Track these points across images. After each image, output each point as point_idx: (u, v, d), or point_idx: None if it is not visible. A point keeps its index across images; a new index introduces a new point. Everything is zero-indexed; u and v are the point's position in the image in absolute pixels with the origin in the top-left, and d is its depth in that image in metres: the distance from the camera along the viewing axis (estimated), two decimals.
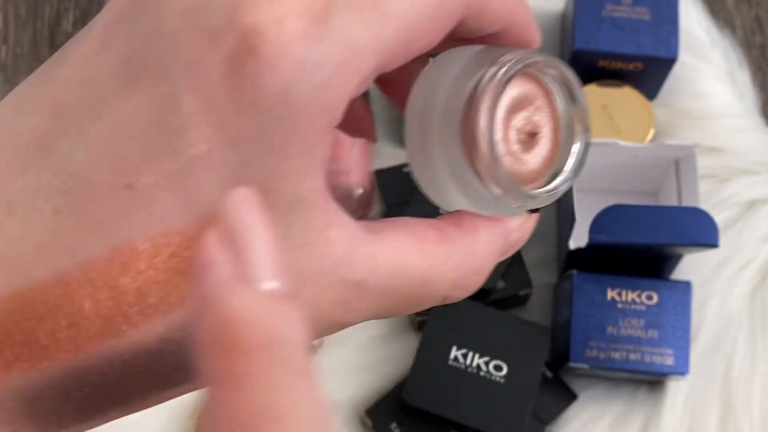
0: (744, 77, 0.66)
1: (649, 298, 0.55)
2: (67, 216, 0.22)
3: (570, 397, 0.58)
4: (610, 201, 0.54)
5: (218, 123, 0.22)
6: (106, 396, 0.24)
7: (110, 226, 0.22)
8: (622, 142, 0.56)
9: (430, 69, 0.27)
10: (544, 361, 0.56)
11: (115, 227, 0.22)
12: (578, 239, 0.53)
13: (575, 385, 0.59)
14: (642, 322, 0.55)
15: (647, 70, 0.61)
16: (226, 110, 0.22)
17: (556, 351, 0.57)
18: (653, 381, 0.59)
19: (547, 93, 0.26)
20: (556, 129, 0.27)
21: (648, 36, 0.60)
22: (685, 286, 0.56)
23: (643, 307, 0.55)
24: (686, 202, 0.56)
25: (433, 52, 0.26)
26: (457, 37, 0.26)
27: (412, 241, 0.25)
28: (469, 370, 0.54)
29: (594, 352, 0.55)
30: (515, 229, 0.27)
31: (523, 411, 0.53)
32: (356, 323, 0.25)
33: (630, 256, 0.55)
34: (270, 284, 0.19)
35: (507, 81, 0.25)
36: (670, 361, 0.55)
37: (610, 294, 0.55)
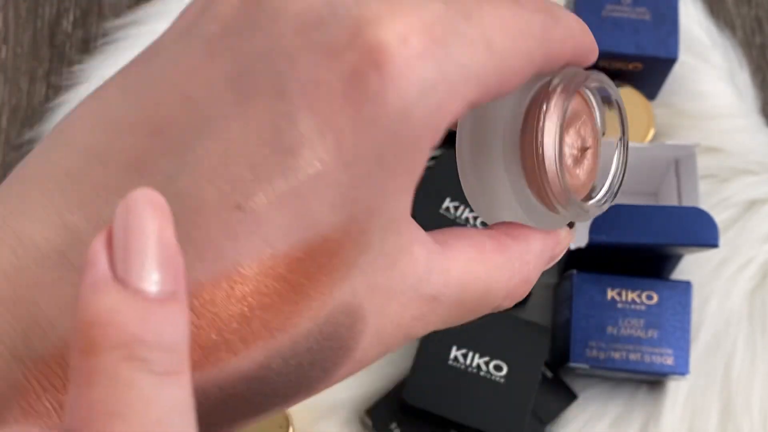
0: (744, 77, 0.66)
1: (649, 298, 0.55)
2: None
3: (570, 397, 0.58)
4: None
5: (335, 142, 0.22)
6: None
7: (217, 248, 0.22)
8: None
9: None
10: (544, 361, 0.56)
11: (222, 249, 0.22)
12: (578, 239, 0.53)
13: (575, 385, 0.59)
14: (642, 322, 0.55)
15: (647, 70, 0.61)
16: (343, 128, 0.22)
17: (556, 351, 0.57)
18: (653, 381, 0.59)
19: (589, 105, 0.27)
20: (596, 140, 0.27)
21: (648, 36, 0.60)
22: (685, 286, 0.56)
23: (643, 307, 0.55)
24: (686, 202, 0.56)
25: None
26: None
27: (477, 253, 0.25)
28: (469, 370, 0.54)
29: (594, 352, 0.55)
30: (562, 241, 0.28)
31: (523, 411, 0.53)
32: (425, 334, 0.26)
33: (630, 256, 0.55)
34: (149, 285, 0.19)
35: (571, 97, 0.25)
36: (670, 361, 0.55)
37: (610, 294, 0.55)
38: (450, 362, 0.54)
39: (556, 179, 0.25)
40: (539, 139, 0.25)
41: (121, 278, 0.19)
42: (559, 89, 0.25)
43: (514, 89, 0.24)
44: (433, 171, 0.56)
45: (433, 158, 0.56)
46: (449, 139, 0.26)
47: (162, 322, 0.19)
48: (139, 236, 0.19)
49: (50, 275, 0.22)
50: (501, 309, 0.27)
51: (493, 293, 0.26)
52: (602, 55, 0.60)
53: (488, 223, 0.27)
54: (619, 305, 0.55)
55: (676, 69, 0.63)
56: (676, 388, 0.59)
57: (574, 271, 0.56)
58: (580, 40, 0.26)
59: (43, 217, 0.23)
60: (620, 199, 0.60)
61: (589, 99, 0.27)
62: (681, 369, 0.55)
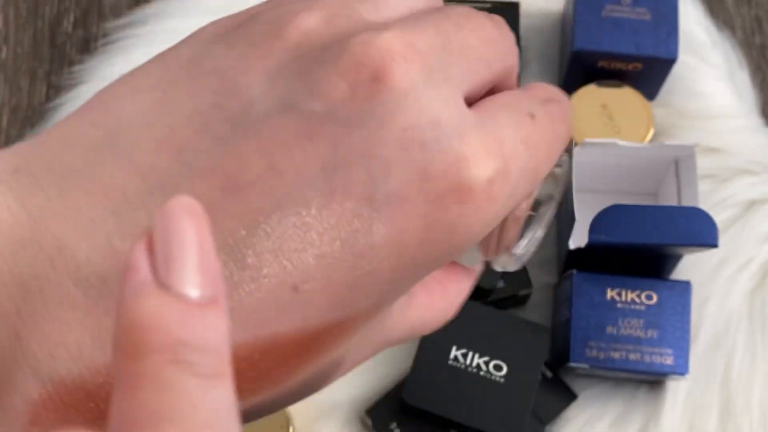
0: (743, 77, 0.66)
1: (649, 298, 0.55)
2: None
3: (570, 396, 0.58)
4: (610, 201, 0.54)
5: (398, 253, 0.23)
6: None
7: (262, 317, 0.23)
8: (621, 142, 0.56)
9: None
10: (544, 361, 0.56)
11: (267, 320, 0.23)
12: (578, 239, 0.53)
13: (575, 384, 0.59)
14: (642, 322, 0.55)
15: (647, 71, 0.61)
16: (410, 244, 0.24)
17: (556, 351, 0.57)
18: (653, 381, 0.59)
19: None
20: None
21: (648, 36, 0.60)
22: (685, 286, 0.56)
23: (642, 307, 0.55)
24: (686, 202, 0.56)
25: None
26: None
27: (428, 299, 0.28)
28: (469, 369, 0.54)
29: (594, 352, 0.55)
30: (477, 276, 0.31)
31: (523, 411, 0.53)
32: None
33: (630, 256, 0.55)
34: (191, 291, 0.19)
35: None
36: (669, 360, 0.55)
37: (610, 294, 0.55)
38: (450, 362, 0.54)
39: (504, 256, 0.29)
40: (504, 230, 0.29)
41: (162, 283, 0.19)
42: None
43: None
44: None
45: None
46: None
47: (204, 326, 0.19)
48: (180, 243, 0.19)
49: (86, 300, 0.22)
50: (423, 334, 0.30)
51: (429, 327, 0.29)
52: (602, 55, 0.60)
53: None
54: (619, 305, 0.55)
55: (676, 69, 0.63)
56: (675, 388, 0.59)
57: (574, 271, 0.56)
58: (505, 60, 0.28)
59: (90, 234, 0.22)
60: (620, 199, 0.60)
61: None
62: (681, 369, 0.55)
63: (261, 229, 0.22)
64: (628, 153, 0.57)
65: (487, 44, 0.26)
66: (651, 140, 0.61)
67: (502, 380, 0.53)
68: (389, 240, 0.23)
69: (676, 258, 0.56)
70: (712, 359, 0.59)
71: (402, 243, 0.23)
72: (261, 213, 0.22)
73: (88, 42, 0.67)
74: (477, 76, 0.26)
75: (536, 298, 0.60)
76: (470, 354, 0.54)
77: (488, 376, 0.54)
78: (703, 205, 0.55)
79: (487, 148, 0.24)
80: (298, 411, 0.56)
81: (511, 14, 0.63)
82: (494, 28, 0.27)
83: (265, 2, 0.27)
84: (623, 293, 0.55)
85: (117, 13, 0.68)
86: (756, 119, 0.65)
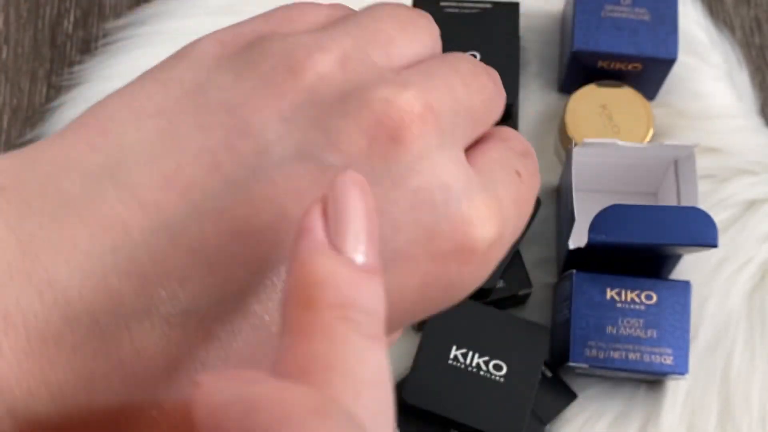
0: (743, 77, 0.66)
1: (649, 297, 0.55)
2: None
3: (569, 396, 0.58)
4: (610, 201, 0.54)
5: (394, 309, 0.24)
6: None
7: (258, 365, 0.23)
8: (621, 142, 0.56)
9: None
10: (544, 361, 0.56)
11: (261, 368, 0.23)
12: (578, 239, 0.53)
13: (575, 384, 0.59)
14: (641, 321, 0.55)
15: (646, 71, 0.61)
16: (409, 301, 0.25)
17: (556, 350, 0.58)
18: (652, 380, 0.59)
19: None
20: None
21: (647, 36, 0.60)
22: (685, 286, 0.56)
23: (642, 307, 0.55)
24: (685, 202, 0.56)
25: None
26: None
27: None
28: (469, 369, 0.54)
29: (593, 352, 0.55)
30: None
31: (523, 410, 0.53)
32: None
33: (629, 256, 0.55)
34: (359, 257, 0.20)
35: None
36: (669, 360, 0.55)
37: (610, 294, 0.55)
38: (450, 362, 0.54)
39: None
40: None
41: (335, 246, 0.20)
42: None
43: None
44: None
45: None
46: None
47: (369, 290, 0.20)
48: (351, 211, 0.20)
49: (74, 338, 0.20)
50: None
51: None
52: (602, 55, 0.60)
53: None
54: (619, 305, 0.55)
55: (676, 69, 0.63)
56: (675, 388, 0.59)
57: (574, 271, 0.56)
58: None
59: (85, 269, 0.21)
60: (620, 199, 0.60)
61: None
62: (680, 369, 0.55)
63: (268, 278, 0.22)
64: (627, 153, 0.57)
65: (487, 104, 0.27)
66: (650, 140, 0.61)
67: (502, 380, 0.53)
68: (388, 294, 0.23)
69: (676, 258, 0.56)
70: (711, 359, 0.59)
71: (400, 297, 0.24)
72: (269, 263, 0.22)
73: (88, 42, 0.67)
74: (475, 134, 0.27)
75: (536, 298, 0.60)
76: (470, 354, 0.54)
77: (488, 375, 0.54)
78: (702, 205, 0.55)
79: (489, 212, 0.25)
80: None
81: (511, 14, 0.63)
82: (494, 88, 0.27)
83: (267, 19, 0.26)
84: (623, 293, 0.56)
85: (117, 13, 0.68)
86: (755, 119, 0.65)
